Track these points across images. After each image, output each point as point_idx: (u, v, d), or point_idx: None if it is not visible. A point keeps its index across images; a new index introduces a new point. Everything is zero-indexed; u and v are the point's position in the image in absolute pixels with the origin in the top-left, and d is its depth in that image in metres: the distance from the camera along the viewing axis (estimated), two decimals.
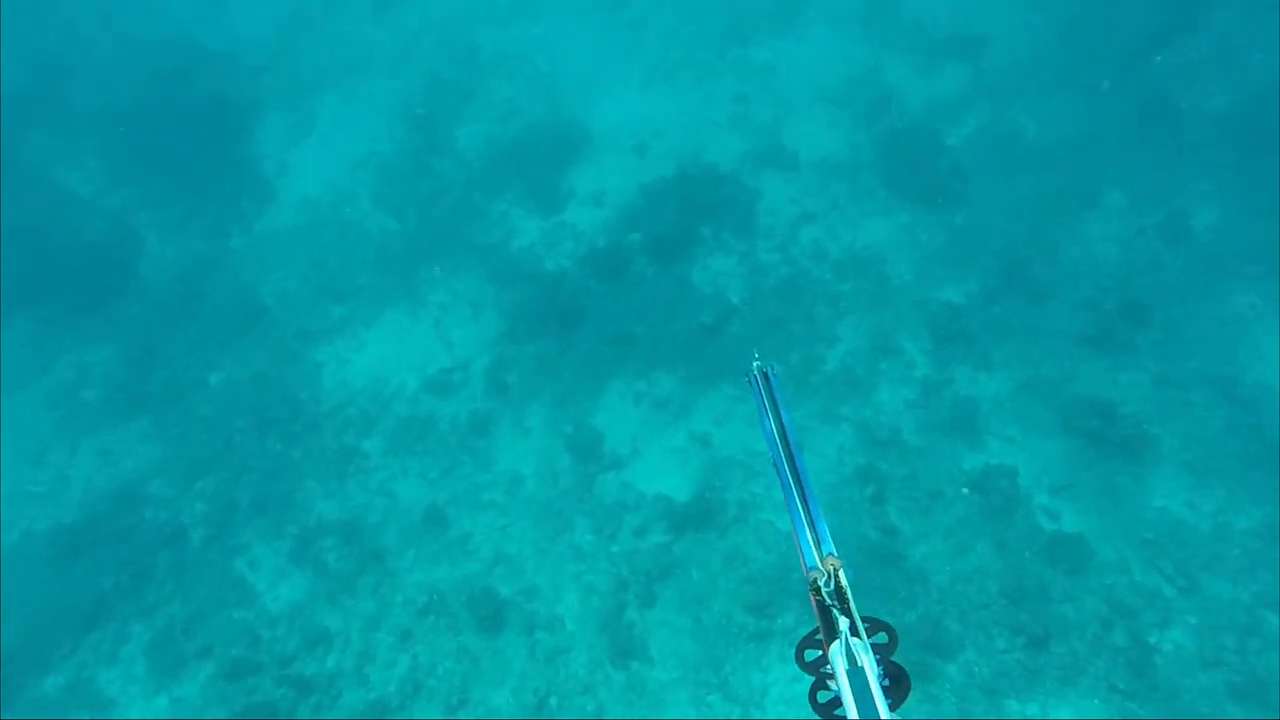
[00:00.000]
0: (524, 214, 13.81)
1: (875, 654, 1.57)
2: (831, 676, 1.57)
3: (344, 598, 10.06)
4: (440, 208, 14.09)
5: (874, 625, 1.65)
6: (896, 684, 1.58)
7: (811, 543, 1.70)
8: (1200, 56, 14.38)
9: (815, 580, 1.65)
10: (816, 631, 1.65)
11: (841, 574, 1.66)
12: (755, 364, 2.18)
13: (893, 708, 1.50)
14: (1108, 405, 10.08)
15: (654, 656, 8.90)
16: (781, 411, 2.01)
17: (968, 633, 8.53)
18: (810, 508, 1.76)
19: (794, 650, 1.70)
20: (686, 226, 12.72)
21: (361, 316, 13.18)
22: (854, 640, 1.56)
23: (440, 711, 8.93)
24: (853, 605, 1.62)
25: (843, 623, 1.58)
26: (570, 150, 14.27)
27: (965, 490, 9.65)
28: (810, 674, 1.65)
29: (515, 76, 15.69)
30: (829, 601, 1.62)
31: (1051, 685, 8.09)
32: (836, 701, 1.55)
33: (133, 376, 12.69)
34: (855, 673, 1.52)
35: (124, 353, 13.08)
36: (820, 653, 1.63)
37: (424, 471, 11.36)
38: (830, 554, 1.67)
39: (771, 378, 2.15)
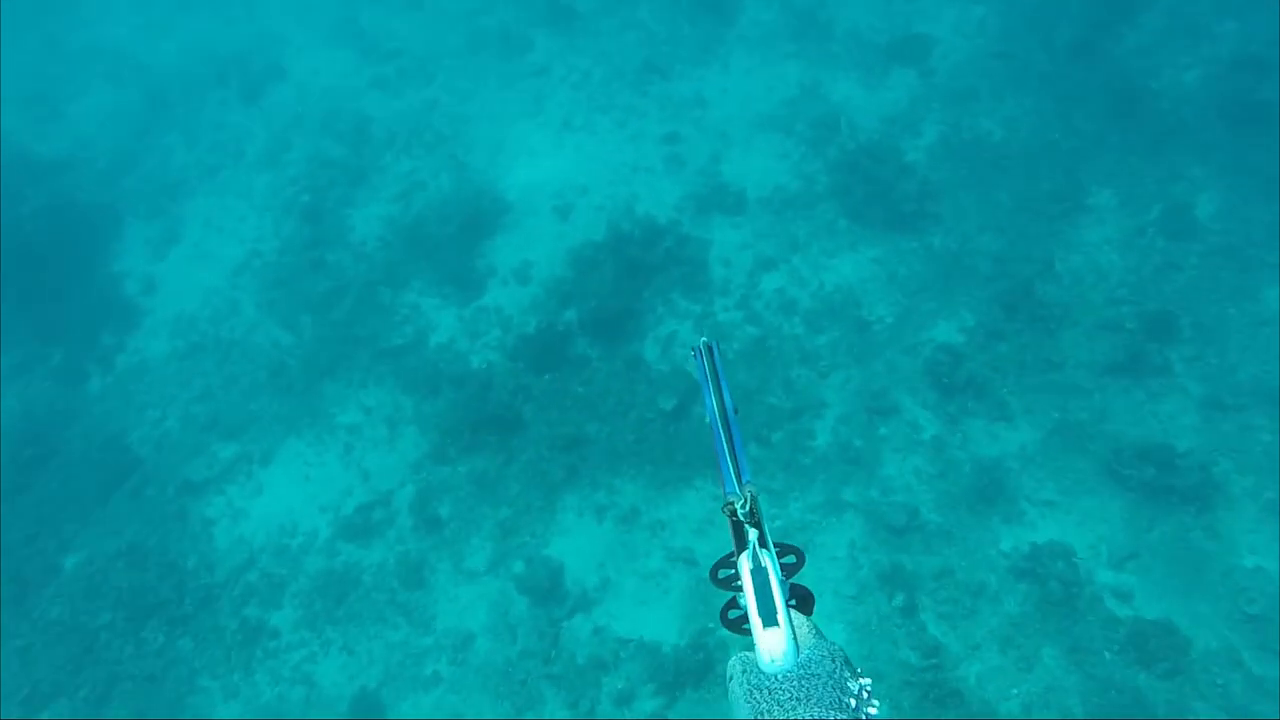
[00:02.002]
0: (438, 304, 12.17)
1: (783, 573, 1.71)
2: (741, 589, 1.72)
3: None
4: (339, 310, 12.37)
5: (784, 548, 1.83)
6: (804, 604, 1.77)
7: (734, 476, 1.83)
8: (1162, 29, 13.60)
9: (732, 504, 1.78)
10: (731, 555, 1.79)
11: (758, 501, 1.81)
12: (701, 340, 2.27)
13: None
14: (1155, 443, 8.73)
15: None
16: (722, 381, 2.11)
17: None
18: (735, 449, 1.90)
19: (708, 571, 1.88)
20: (629, 293, 11.22)
21: (257, 453, 11.28)
22: (761, 550, 1.71)
23: None
24: (764, 525, 1.77)
25: (752, 534, 1.73)
26: (484, 222, 12.75)
27: (1011, 578, 8.11)
28: (723, 589, 1.84)
29: (412, 147, 14.20)
30: (743, 520, 1.76)
31: None
32: (745, 617, 1.67)
33: None
34: (758, 571, 1.66)
35: None
36: (733, 571, 1.78)
37: (349, 644, 9.44)
38: (749, 483, 1.79)
39: (715, 351, 2.23)
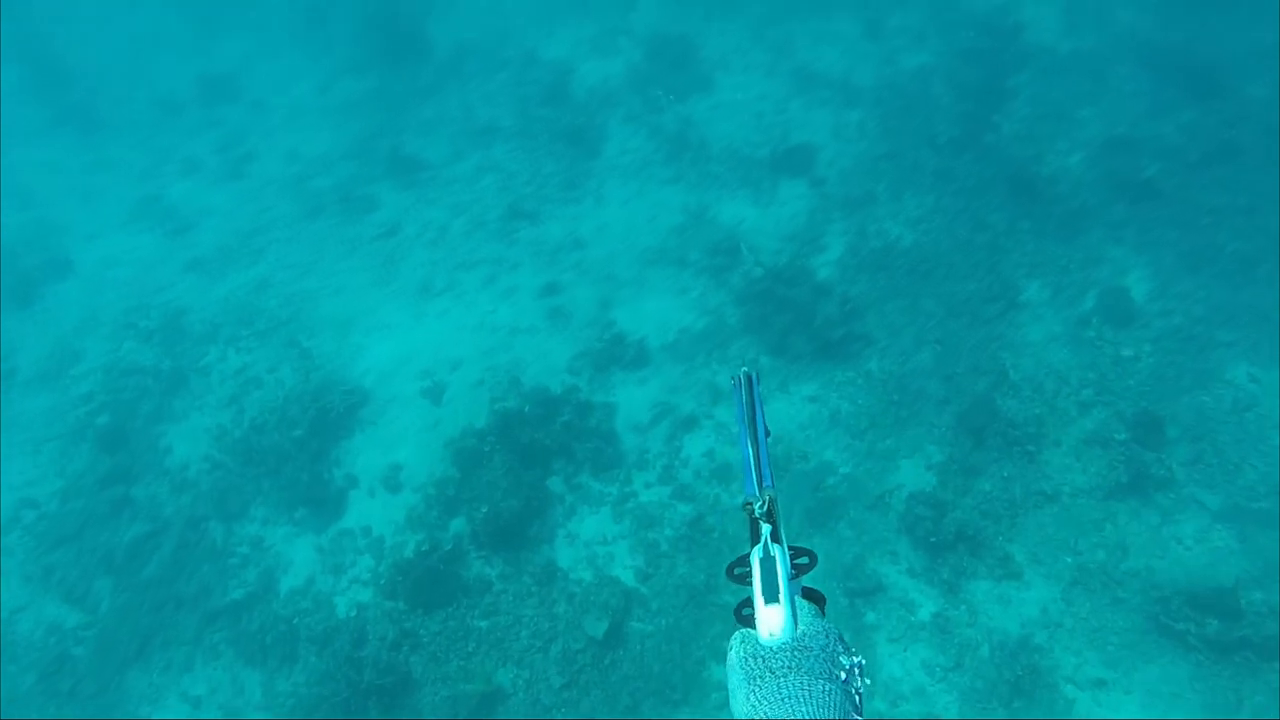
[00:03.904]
0: (288, 534, 9.80)
1: (793, 570, 1.80)
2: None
3: None
4: (153, 564, 9.74)
5: (798, 550, 1.88)
6: (813, 599, 1.81)
7: (756, 481, 1.92)
8: (1032, 117, 13.74)
9: (750, 504, 1.87)
10: (747, 554, 1.86)
11: (776, 504, 1.88)
12: (742, 370, 2.31)
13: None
14: (1192, 580, 7.42)
15: None
16: (759, 415, 2.17)
17: None
18: (761, 457, 1.98)
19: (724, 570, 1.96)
20: (528, 487, 9.29)
21: None
22: (772, 544, 1.77)
23: None
24: (780, 525, 1.83)
25: (764, 528, 1.80)
26: (338, 421, 10.66)
27: None
28: (738, 584, 1.89)
29: (242, 339, 12.11)
30: (760, 519, 1.84)
31: None
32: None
33: None
34: (767, 559, 1.75)
35: None
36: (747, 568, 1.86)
37: None
38: (769, 488, 1.87)
39: (755, 382, 2.30)
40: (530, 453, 9.54)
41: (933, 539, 8.16)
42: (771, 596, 1.72)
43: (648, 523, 9.05)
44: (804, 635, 1.68)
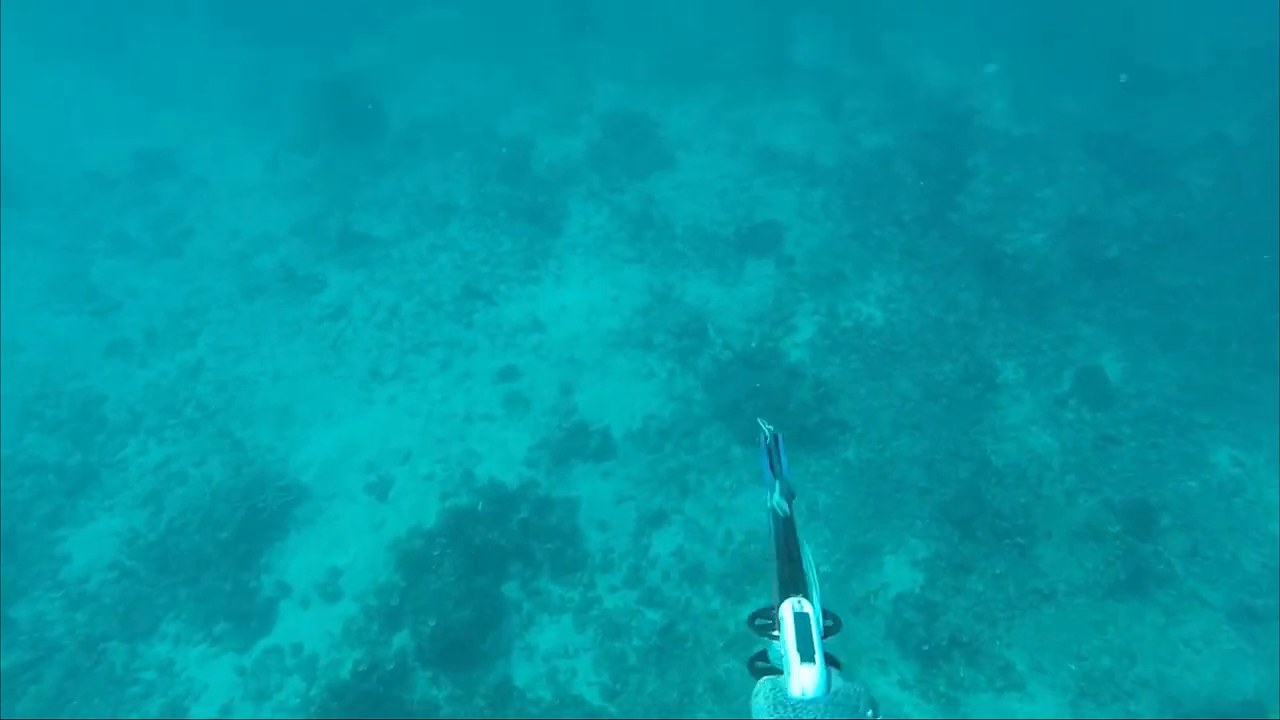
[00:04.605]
0: (205, 654, 8.78)
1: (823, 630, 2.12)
2: (774, 638, 2.12)
3: None
4: (26, 702, 8.55)
5: (825, 613, 2.17)
6: (831, 663, 2.08)
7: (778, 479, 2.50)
8: (994, 197, 14.01)
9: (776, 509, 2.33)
10: (770, 608, 2.14)
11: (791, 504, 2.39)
12: (768, 429, 2.84)
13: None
14: (1208, 690, 6.99)
15: None
16: (785, 469, 2.68)
17: None
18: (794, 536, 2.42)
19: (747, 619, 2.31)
20: (481, 594, 8.53)
21: None
22: (804, 599, 2.05)
23: None
24: (814, 587, 2.13)
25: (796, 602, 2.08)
26: (270, 520, 9.81)
27: None
28: (758, 635, 2.17)
29: (166, 429, 11.22)
30: (781, 514, 2.34)
31: None
32: (771, 667, 2.10)
33: None
34: (801, 616, 2.00)
35: None
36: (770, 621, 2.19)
37: None
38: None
39: (780, 441, 2.83)
40: (484, 555, 8.81)
41: (925, 647, 7.62)
42: (808, 656, 1.91)
43: (614, 632, 8.34)
44: (837, 693, 1.88)
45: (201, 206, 16.18)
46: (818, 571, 2.45)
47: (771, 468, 2.79)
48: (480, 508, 9.09)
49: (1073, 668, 7.39)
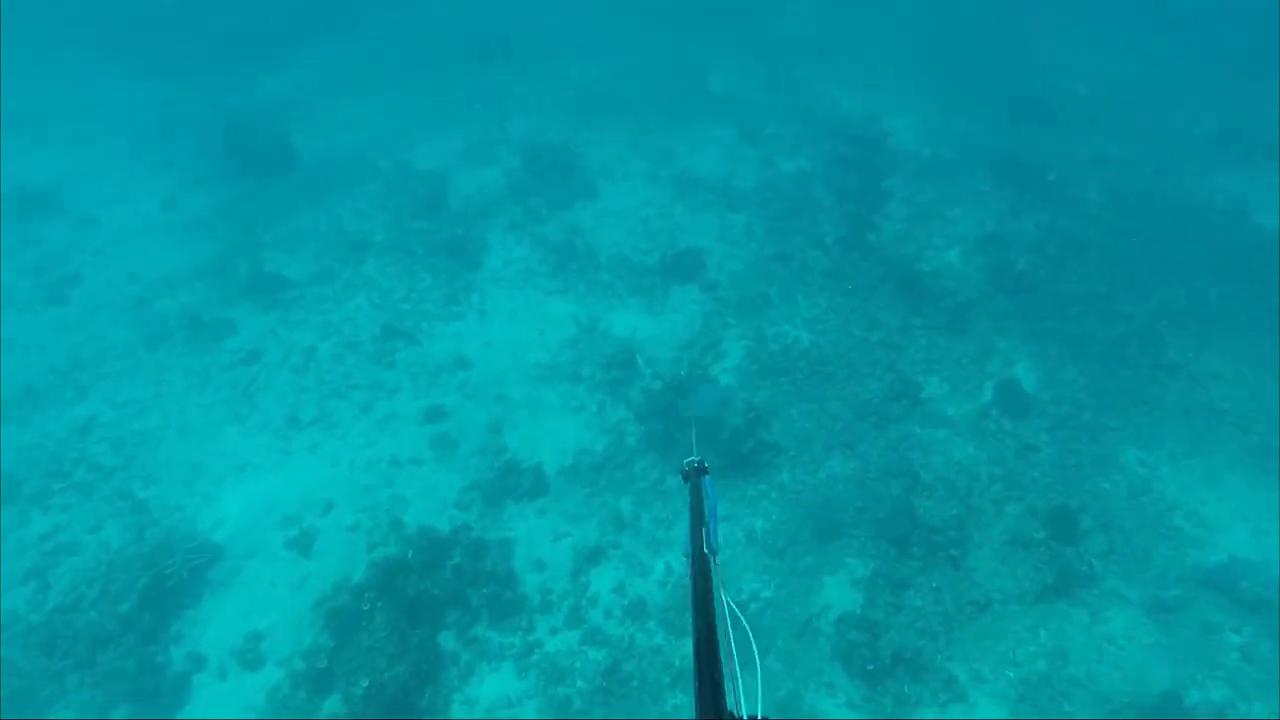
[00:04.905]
0: None
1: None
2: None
3: None
4: None
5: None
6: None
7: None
8: (908, 218, 14.57)
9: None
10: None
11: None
12: (689, 460, 3.05)
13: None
14: (1133, 685, 7.29)
15: None
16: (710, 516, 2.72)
17: None
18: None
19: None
20: (416, 648, 8.19)
21: None
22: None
23: None
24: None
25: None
26: (183, 586, 9.20)
27: None
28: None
29: (53, 495, 10.43)
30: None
31: None
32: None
33: None
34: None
35: None
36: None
37: None
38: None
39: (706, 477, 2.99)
40: (418, 606, 8.48)
41: (870, 666, 7.70)
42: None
43: (557, 676, 8.12)
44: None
45: (90, 249, 15.30)
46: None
47: (701, 517, 2.66)
48: (411, 556, 8.76)
49: (1011, 675, 7.59)
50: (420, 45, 23.35)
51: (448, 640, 8.44)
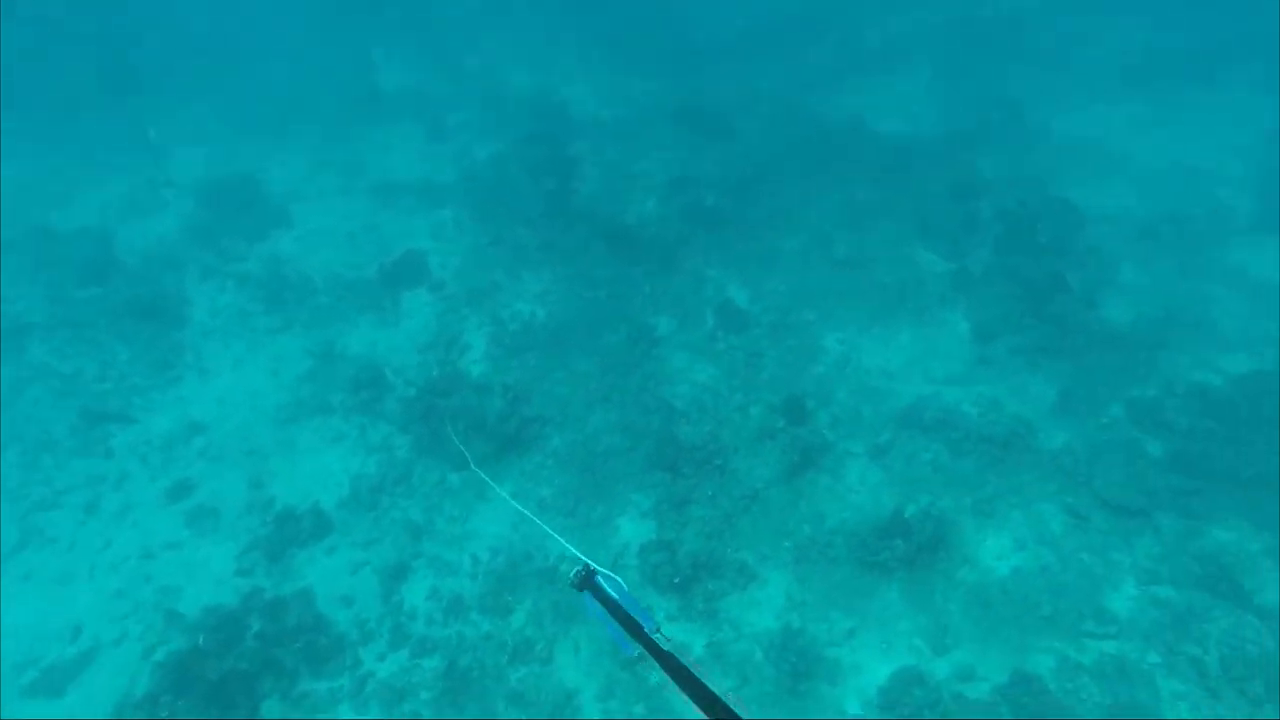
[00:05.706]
0: None
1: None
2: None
3: None
4: None
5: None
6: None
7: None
8: (601, 178, 15.76)
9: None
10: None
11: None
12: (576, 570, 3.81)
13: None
14: (869, 516, 9.15)
15: None
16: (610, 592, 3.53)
17: None
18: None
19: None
20: None
21: None
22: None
23: None
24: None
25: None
26: None
27: None
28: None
29: None
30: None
31: None
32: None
33: None
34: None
35: None
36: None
37: None
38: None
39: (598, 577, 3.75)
40: (227, 688, 8.09)
41: (676, 579, 8.81)
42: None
43: (397, 697, 8.27)
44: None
45: None
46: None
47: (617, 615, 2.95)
48: (203, 641, 8.28)
49: (787, 545, 9.11)
50: (30, 74, 20.11)
51: (272, 708, 8.17)
